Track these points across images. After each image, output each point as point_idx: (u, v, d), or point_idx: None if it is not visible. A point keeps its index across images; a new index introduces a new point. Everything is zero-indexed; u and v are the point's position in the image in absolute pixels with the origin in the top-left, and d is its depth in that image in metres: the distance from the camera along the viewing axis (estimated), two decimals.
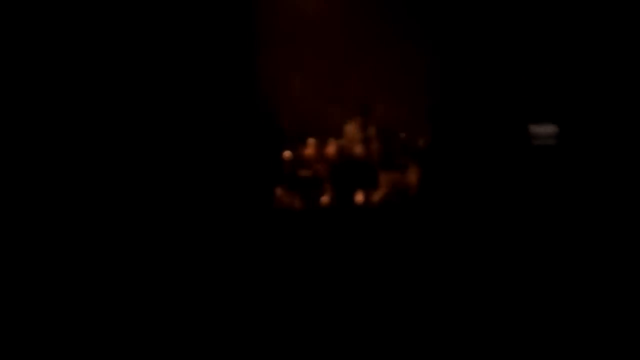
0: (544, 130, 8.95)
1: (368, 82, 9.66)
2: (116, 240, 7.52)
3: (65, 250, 7.49)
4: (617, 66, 9.50)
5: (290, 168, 9.76)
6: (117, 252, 7.24)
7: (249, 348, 5.27)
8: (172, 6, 10.48)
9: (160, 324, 5.55)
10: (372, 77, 9.96)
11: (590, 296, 5.86)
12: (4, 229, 7.74)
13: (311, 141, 9.92)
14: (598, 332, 5.34)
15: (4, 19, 8.88)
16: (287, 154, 10.06)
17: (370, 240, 7.40)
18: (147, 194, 8.91)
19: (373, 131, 9.85)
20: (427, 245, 6.89)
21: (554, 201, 8.15)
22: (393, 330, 5.42)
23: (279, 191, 9.90)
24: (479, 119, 8.85)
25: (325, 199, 9.50)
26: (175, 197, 8.85)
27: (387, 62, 10.43)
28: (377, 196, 9.42)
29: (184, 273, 6.61)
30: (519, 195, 8.29)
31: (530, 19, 10.22)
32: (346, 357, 5.20)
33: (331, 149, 9.64)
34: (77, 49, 9.53)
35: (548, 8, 10.03)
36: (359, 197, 8.02)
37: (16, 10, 9.00)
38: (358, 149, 9.42)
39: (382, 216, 8.42)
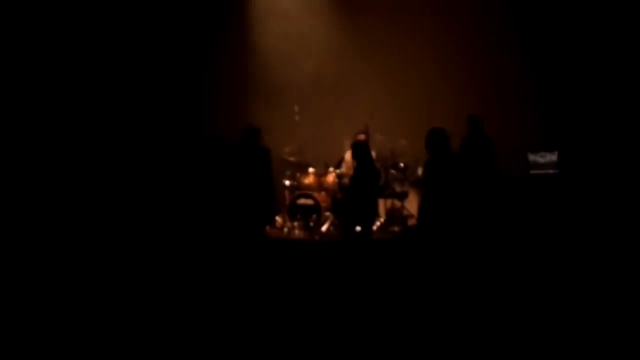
0: (543, 159, 8.95)
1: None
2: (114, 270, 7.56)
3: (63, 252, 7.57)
4: (616, 94, 9.56)
5: (290, 197, 9.81)
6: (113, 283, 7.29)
7: None
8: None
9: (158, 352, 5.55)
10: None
11: (588, 324, 5.84)
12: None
13: (311, 170, 9.97)
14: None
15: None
16: (287, 182, 10.13)
17: (370, 268, 7.39)
18: (150, 220, 8.97)
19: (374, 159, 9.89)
20: (426, 273, 6.87)
21: (552, 229, 8.13)
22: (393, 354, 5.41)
23: (279, 219, 9.96)
24: (479, 147, 8.88)
25: (325, 227, 9.52)
26: (175, 223, 8.91)
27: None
28: (377, 224, 9.44)
29: (181, 302, 6.62)
30: (516, 223, 8.28)
31: (529, 46, 10.34)
32: None
33: (330, 177, 9.67)
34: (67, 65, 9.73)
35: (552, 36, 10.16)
36: (359, 226, 8.02)
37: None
38: None
39: (381, 245, 8.41)
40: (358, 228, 7.75)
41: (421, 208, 7.34)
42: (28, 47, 9.30)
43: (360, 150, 7.87)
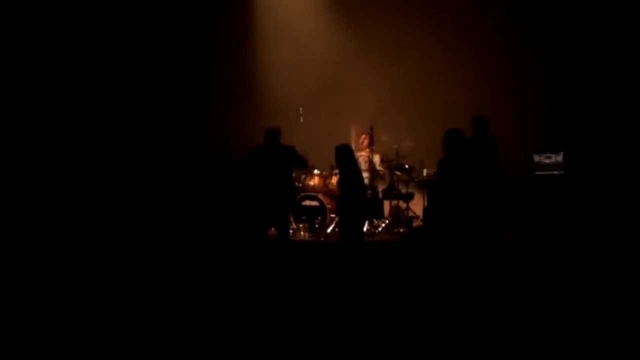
0: (548, 160, 8.93)
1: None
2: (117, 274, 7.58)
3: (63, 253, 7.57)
4: (621, 96, 9.54)
5: (296, 198, 9.82)
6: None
7: None
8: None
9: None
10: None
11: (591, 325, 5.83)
12: (4, 229, 7.82)
13: (316, 172, 9.97)
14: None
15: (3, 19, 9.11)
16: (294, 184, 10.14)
17: (375, 270, 7.38)
18: (157, 224, 8.99)
19: (378, 161, 9.89)
20: (430, 275, 6.87)
21: (557, 230, 8.12)
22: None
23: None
24: (483, 148, 8.86)
25: (330, 228, 9.52)
26: (181, 224, 8.92)
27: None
28: (382, 226, 9.45)
29: (187, 303, 6.62)
30: (521, 224, 8.27)
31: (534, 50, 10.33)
32: None
33: (335, 179, 9.67)
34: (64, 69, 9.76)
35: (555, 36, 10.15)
36: (364, 227, 8.03)
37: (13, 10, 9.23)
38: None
39: (386, 246, 8.41)
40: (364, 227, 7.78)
41: (429, 204, 7.37)
42: (19, 49, 9.35)
43: (341, 153, 7.86)
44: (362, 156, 9.91)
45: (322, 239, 9.23)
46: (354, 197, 7.74)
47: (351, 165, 7.85)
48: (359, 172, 7.98)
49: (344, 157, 7.81)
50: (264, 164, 8.12)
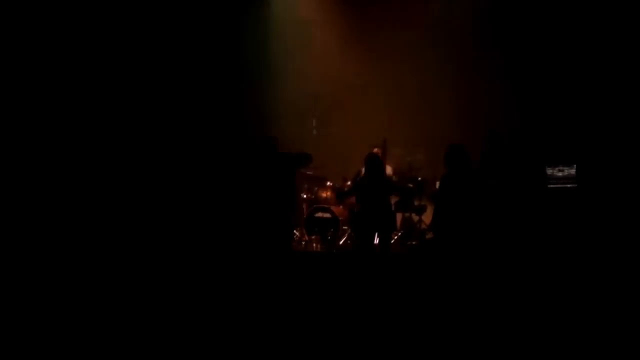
0: (561, 172, 8.93)
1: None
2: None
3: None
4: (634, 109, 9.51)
5: (308, 210, 9.84)
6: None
7: None
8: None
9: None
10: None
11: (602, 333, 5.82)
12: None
13: (329, 184, 9.99)
14: None
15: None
16: (306, 196, 10.17)
17: (388, 282, 7.39)
18: (172, 231, 9.04)
19: (391, 173, 9.91)
20: (441, 287, 6.87)
21: (569, 243, 8.09)
22: None
23: (297, 233, 9.99)
24: (498, 162, 8.87)
25: (342, 240, 9.53)
26: (195, 234, 8.96)
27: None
28: (394, 238, 9.44)
29: (199, 311, 6.66)
30: (535, 237, 8.24)
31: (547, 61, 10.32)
32: None
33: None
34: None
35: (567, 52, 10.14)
36: (377, 239, 8.02)
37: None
38: None
39: (399, 258, 8.40)
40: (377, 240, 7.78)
41: (433, 222, 7.37)
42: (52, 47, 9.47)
43: (371, 163, 7.85)
44: None
45: (334, 250, 9.25)
46: (378, 207, 7.71)
47: (379, 174, 7.82)
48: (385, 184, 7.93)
49: (373, 166, 7.78)
50: (263, 174, 8.13)
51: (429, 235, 8.97)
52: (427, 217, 9.32)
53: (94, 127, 9.62)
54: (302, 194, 10.10)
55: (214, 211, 9.26)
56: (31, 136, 9.02)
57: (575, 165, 8.95)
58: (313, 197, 10.12)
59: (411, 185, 9.32)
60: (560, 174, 8.98)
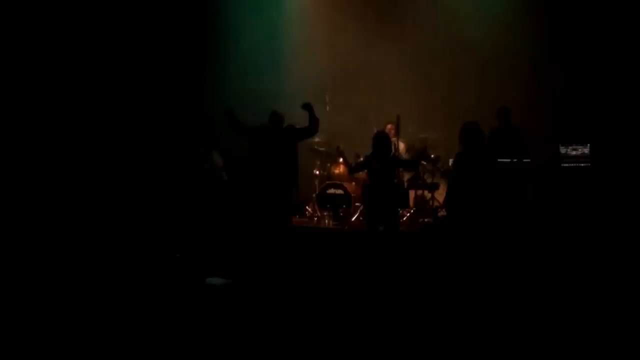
0: (575, 151, 8.89)
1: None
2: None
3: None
4: None
5: (321, 186, 9.85)
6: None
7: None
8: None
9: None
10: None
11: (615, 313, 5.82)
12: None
13: (342, 160, 9.98)
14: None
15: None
16: (319, 172, 10.18)
17: (399, 259, 7.41)
18: (179, 212, 9.07)
19: (404, 150, 9.89)
20: (453, 265, 6.88)
21: (583, 222, 8.07)
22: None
23: (309, 208, 10.02)
24: (508, 138, 8.85)
25: (355, 217, 9.55)
26: (203, 213, 8.99)
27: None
28: (407, 215, 9.46)
29: (206, 289, 6.70)
30: (547, 216, 8.23)
31: (562, 42, 10.24)
32: None
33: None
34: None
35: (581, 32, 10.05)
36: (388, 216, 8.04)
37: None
38: None
39: (411, 235, 8.41)
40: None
41: (447, 200, 7.36)
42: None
43: (378, 140, 7.85)
44: None
45: (346, 227, 9.28)
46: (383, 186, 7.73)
47: (385, 153, 7.82)
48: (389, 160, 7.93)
49: (380, 144, 7.79)
50: (265, 147, 8.11)
51: (441, 213, 8.96)
52: (439, 195, 9.32)
53: (92, 126, 9.70)
54: (314, 170, 10.12)
55: (215, 187, 9.28)
56: (21, 136, 9.09)
57: (589, 144, 8.91)
58: (325, 173, 10.12)
59: (424, 163, 9.31)
60: (574, 152, 8.94)
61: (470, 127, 7.02)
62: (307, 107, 8.06)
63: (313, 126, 8.05)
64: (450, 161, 9.30)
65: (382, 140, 7.76)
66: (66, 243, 8.05)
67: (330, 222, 9.52)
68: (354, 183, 9.85)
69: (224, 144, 9.33)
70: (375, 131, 8.37)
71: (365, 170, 8.13)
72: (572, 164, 8.90)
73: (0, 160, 8.89)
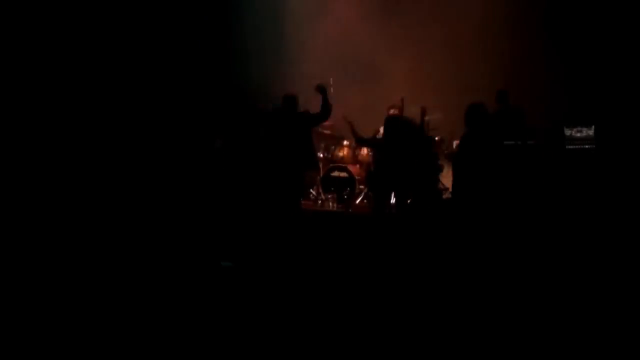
0: (580, 134, 8.86)
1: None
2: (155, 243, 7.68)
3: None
4: None
5: (325, 169, 9.85)
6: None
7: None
8: None
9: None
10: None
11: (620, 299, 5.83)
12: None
13: (346, 143, 9.98)
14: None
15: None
16: (323, 155, 10.17)
17: (404, 241, 7.42)
18: (187, 198, 9.08)
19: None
20: (459, 248, 6.89)
21: (589, 204, 8.06)
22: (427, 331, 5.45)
23: (313, 192, 10.03)
24: (508, 120, 8.82)
25: (359, 200, 9.56)
26: (210, 198, 9.00)
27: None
28: (412, 198, 9.45)
29: (214, 274, 6.73)
30: (551, 198, 8.22)
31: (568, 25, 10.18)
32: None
33: (365, 150, 9.69)
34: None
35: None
36: (394, 199, 8.04)
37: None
38: None
39: (416, 218, 8.41)
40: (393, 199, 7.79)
41: (453, 183, 7.35)
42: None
43: (390, 124, 7.84)
44: None
45: (350, 210, 9.29)
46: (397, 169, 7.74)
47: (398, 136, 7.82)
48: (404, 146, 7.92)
49: (392, 128, 7.80)
50: (280, 129, 8.10)
51: (446, 195, 8.96)
52: (444, 177, 9.31)
53: (94, 125, 9.69)
54: (318, 153, 10.11)
55: (229, 172, 9.28)
56: (18, 136, 9.08)
57: (593, 126, 8.88)
58: (330, 156, 10.12)
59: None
60: (578, 134, 8.91)
61: (476, 109, 7.00)
62: (321, 89, 8.00)
63: (325, 111, 8.02)
64: (455, 143, 9.30)
65: (392, 124, 7.79)
66: (78, 226, 8.10)
67: (335, 205, 9.53)
68: (358, 166, 9.84)
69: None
70: (386, 116, 8.38)
71: (367, 150, 8.12)
72: (577, 146, 8.88)
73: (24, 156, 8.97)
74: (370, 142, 8.45)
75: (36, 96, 9.28)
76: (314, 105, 8.19)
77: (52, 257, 7.14)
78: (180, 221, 8.23)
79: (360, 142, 8.66)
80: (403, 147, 7.80)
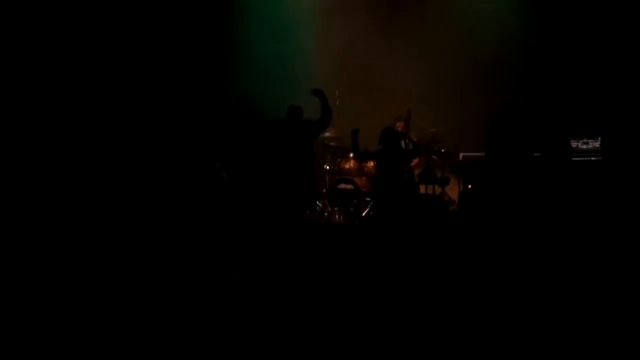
0: (586, 145, 8.86)
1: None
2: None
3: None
4: None
5: (331, 181, 9.86)
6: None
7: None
8: None
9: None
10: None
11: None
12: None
13: (352, 155, 9.98)
14: None
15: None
16: (329, 167, 10.18)
17: (410, 253, 7.41)
18: (189, 206, 9.09)
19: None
20: (466, 258, 6.88)
21: (595, 216, 8.05)
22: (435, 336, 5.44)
23: (319, 204, 10.02)
24: (521, 133, 8.82)
25: (366, 212, 9.55)
26: (216, 207, 9.01)
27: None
28: (416, 210, 9.45)
29: (223, 283, 6.73)
30: (558, 209, 8.21)
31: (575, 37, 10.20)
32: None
33: (371, 162, 9.68)
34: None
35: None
36: (399, 210, 8.05)
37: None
38: None
39: (421, 230, 8.41)
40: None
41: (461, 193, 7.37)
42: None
43: (385, 135, 7.87)
44: None
45: (356, 222, 9.28)
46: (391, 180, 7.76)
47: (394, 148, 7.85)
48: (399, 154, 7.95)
49: (388, 139, 7.83)
50: (283, 142, 8.11)
51: (452, 207, 8.96)
52: (450, 190, 9.32)
53: (96, 125, 9.74)
54: (324, 165, 10.12)
55: (233, 180, 9.30)
56: (18, 136, 9.14)
57: (600, 138, 8.88)
58: (335, 168, 10.12)
59: (435, 157, 9.31)
60: (584, 146, 8.91)
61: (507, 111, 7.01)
62: (317, 92, 8.00)
63: (326, 116, 8.02)
64: (461, 155, 9.33)
65: (390, 136, 7.80)
66: (81, 231, 8.13)
67: (341, 217, 9.52)
68: (364, 178, 9.85)
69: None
70: (384, 127, 8.39)
71: (373, 162, 8.15)
72: (583, 158, 8.88)
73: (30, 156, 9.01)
74: (369, 156, 8.46)
75: (35, 99, 9.35)
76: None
77: (52, 257, 7.19)
78: (181, 230, 8.27)
79: (358, 157, 8.69)
80: (391, 157, 7.86)
